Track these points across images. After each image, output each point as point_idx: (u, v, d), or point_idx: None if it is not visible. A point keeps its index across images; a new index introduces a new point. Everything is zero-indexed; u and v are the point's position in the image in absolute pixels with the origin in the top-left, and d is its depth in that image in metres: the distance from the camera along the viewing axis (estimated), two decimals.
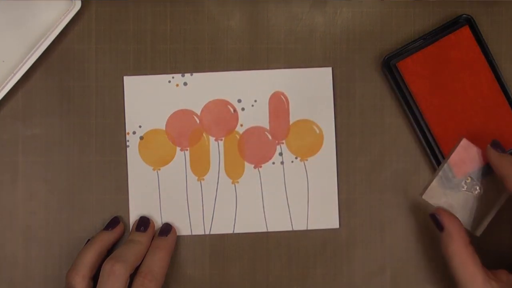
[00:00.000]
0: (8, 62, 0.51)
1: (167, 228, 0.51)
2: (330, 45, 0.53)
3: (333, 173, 0.53)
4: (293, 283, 0.53)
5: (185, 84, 0.53)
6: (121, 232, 0.51)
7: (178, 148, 0.53)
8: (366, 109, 0.53)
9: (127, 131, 0.52)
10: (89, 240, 0.50)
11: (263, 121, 0.53)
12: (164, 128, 0.53)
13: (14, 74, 0.50)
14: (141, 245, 0.49)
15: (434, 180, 0.49)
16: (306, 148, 0.53)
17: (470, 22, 0.52)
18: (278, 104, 0.53)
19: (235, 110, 0.53)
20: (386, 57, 0.51)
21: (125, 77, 0.53)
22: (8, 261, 0.52)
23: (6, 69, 0.51)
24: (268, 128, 0.53)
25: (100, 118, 0.52)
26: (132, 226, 0.52)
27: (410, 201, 0.53)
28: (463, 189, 0.49)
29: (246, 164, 0.53)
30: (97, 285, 0.47)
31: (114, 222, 0.51)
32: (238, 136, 0.53)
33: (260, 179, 0.53)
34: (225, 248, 0.52)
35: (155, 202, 0.52)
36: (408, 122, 0.52)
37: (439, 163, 0.52)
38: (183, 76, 0.53)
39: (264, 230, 0.53)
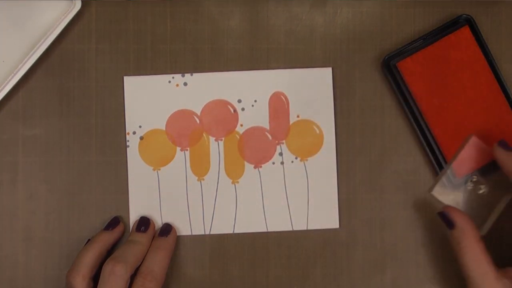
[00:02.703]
0: (8, 62, 0.51)
1: (167, 228, 0.51)
2: (330, 45, 0.53)
3: (333, 173, 0.53)
4: (293, 283, 0.53)
5: (185, 84, 0.53)
6: (121, 232, 0.51)
7: (178, 148, 0.53)
8: (366, 109, 0.53)
9: (127, 131, 0.52)
10: (89, 240, 0.50)
11: (263, 121, 0.53)
12: (164, 128, 0.53)
13: (14, 74, 0.50)
14: (142, 245, 0.49)
15: (444, 177, 0.49)
16: (306, 148, 0.53)
17: (470, 22, 0.52)
18: (278, 104, 0.53)
19: (235, 110, 0.53)
20: (386, 57, 0.51)
21: (125, 77, 0.53)
22: (8, 261, 0.52)
23: (6, 69, 0.51)
24: (268, 128, 0.53)
25: (100, 118, 0.52)
26: (132, 227, 0.52)
27: (410, 201, 0.53)
28: (469, 188, 0.49)
29: (246, 164, 0.53)
30: (98, 285, 0.47)
31: (114, 222, 0.51)
32: (238, 136, 0.53)
33: (260, 179, 0.53)
34: (225, 248, 0.52)
35: (155, 202, 0.52)
36: (408, 122, 0.52)
37: (439, 163, 0.52)
38: (183, 76, 0.53)
39: (264, 230, 0.53)
